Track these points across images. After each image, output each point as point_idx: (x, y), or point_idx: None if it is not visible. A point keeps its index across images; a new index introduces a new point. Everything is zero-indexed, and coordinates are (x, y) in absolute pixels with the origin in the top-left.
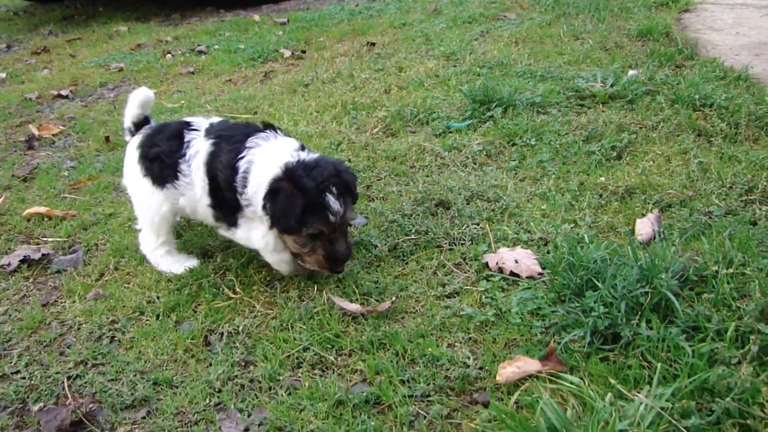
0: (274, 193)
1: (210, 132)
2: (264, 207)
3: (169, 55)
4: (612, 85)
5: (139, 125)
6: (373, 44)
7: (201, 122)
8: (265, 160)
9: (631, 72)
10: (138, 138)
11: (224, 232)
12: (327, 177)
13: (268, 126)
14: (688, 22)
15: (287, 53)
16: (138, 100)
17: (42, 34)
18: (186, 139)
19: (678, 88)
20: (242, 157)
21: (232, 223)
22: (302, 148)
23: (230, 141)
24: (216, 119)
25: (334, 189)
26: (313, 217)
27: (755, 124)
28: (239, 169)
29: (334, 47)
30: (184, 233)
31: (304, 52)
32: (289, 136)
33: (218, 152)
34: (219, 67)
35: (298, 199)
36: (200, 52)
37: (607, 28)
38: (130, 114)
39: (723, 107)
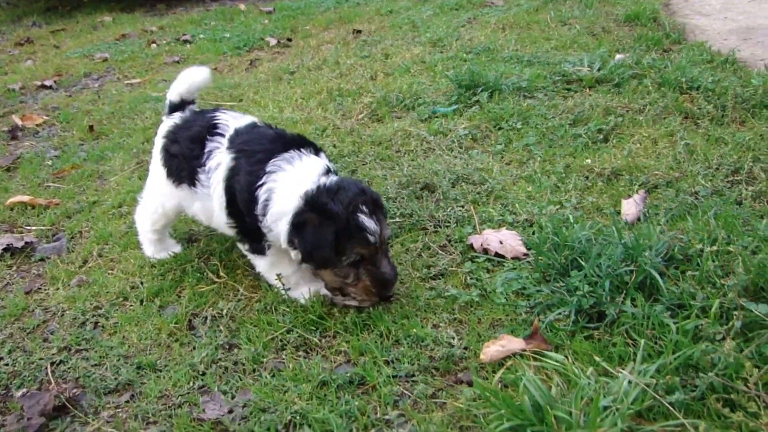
0: (299, 227)
1: (233, 143)
2: (290, 242)
3: (154, 45)
4: (599, 69)
5: (174, 108)
6: (360, 32)
7: (227, 125)
8: (286, 189)
9: (618, 56)
10: (168, 125)
11: (246, 252)
12: (353, 197)
13: (295, 140)
14: (677, 8)
15: (273, 41)
16: (190, 80)
17: (25, 25)
18: (207, 149)
19: (665, 72)
20: (262, 184)
21: (257, 250)
22: (327, 171)
23: (251, 159)
24: (243, 122)
25: (364, 208)
26: (350, 242)
27: (742, 106)
28: (259, 198)
29: (320, 35)
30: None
31: (290, 40)
32: (318, 152)
33: (238, 170)
34: (204, 56)
35: (329, 227)
36: (185, 42)
37: (595, 13)
38: (176, 92)
39: (710, 90)
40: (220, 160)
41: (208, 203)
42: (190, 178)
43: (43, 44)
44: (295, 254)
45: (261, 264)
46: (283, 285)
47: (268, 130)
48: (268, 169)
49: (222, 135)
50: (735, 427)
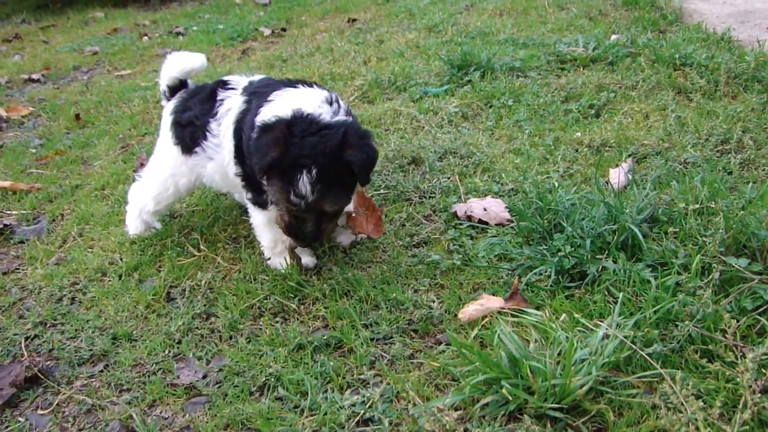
0: (265, 128)
1: (246, 90)
2: None
3: (145, 38)
4: (594, 49)
5: (174, 89)
6: (355, 20)
7: (239, 80)
8: (281, 104)
9: (613, 36)
10: (173, 103)
11: (248, 203)
12: (316, 153)
13: (306, 81)
14: None
15: (267, 32)
16: (179, 65)
17: (15, 22)
18: (219, 98)
19: (659, 50)
20: (260, 112)
21: (258, 202)
22: (331, 101)
23: (261, 97)
24: (258, 77)
25: (314, 171)
26: (278, 184)
27: (734, 81)
28: (255, 125)
29: (316, 25)
30: None
31: (284, 30)
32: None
33: (247, 111)
34: (197, 47)
35: (276, 151)
36: (178, 34)
37: None
38: (167, 77)
39: (703, 66)
40: (230, 105)
41: (220, 156)
42: (203, 134)
43: (32, 40)
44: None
45: (257, 218)
46: (268, 249)
47: (282, 80)
48: (270, 98)
49: (234, 88)
50: (712, 376)
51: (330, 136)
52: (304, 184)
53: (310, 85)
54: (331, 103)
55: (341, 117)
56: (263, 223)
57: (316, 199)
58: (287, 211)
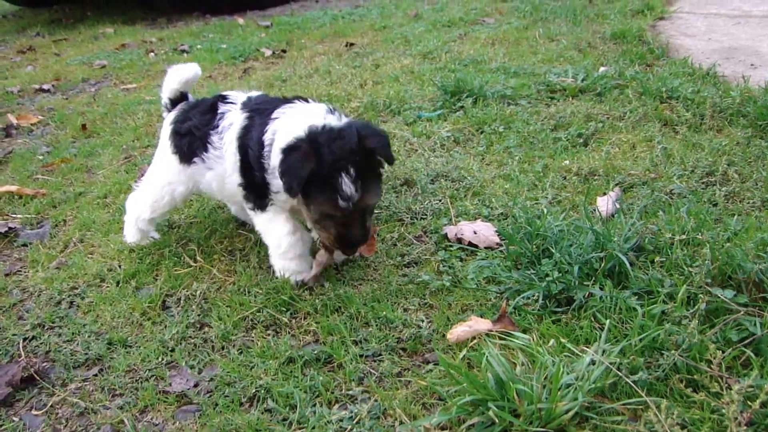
0: (289, 149)
1: (246, 105)
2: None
3: (152, 54)
4: (583, 80)
5: (175, 101)
6: (353, 44)
7: (238, 96)
8: (291, 125)
9: (602, 68)
10: (173, 113)
11: (250, 212)
12: (347, 153)
13: (302, 97)
14: (663, 29)
15: (268, 52)
16: (178, 77)
17: (29, 35)
18: (220, 111)
19: (647, 83)
20: (268, 130)
21: (259, 206)
22: (332, 111)
23: (263, 115)
24: (255, 93)
25: (352, 170)
26: (322, 196)
27: (720, 115)
28: (265, 143)
29: (315, 47)
30: None
31: (284, 51)
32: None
33: (251, 127)
34: (200, 64)
35: (309, 162)
36: (183, 51)
37: (582, 30)
38: (168, 89)
39: (689, 99)
40: (233, 119)
41: (220, 167)
42: (203, 146)
43: (44, 52)
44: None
45: (260, 220)
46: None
47: (278, 97)
48: (273, 116)
49: (233, 102)
50: (697, 406)
51: (349, 135)
52: (348, 184)
53: (305, 100)
54: (332, 112)
55: (345, 120)
56: (266, 223)
57: (360, 196)
58: (333, 221)
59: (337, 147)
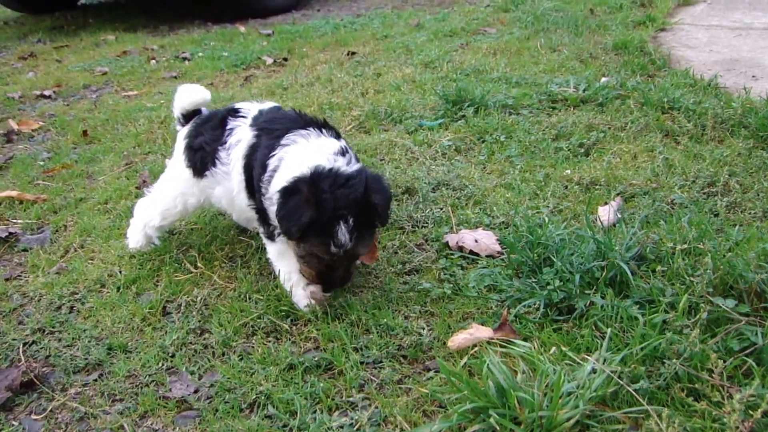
0: (290, 191)
1: (256, 121)
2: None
3: (153, 61)
4: (584, 90)
5: (188, 117)
6: (354, 53)
7: (250, 109)
8: (297, 159)
9: (603, 79)
10: (187, 128)
11: (262, 236)
12: (350, 203)
13: (316, 120)
14: (664, 40)
15: (269, 60)
16: (188, 98)
17: (30, 41)
18: (229, 126)
19: (648, 93)
20: (274, 155)
21: (268, 234)
22: (343, 152)
23: (270, 135)
24: (267, 105)
25: (351, 220)
26: (316, 239)
27: (721, 126)
28: (268, 167)
29: (316, 56)
30: None
31: (286, 59)
32: (339, 137)
33: (257, 146)
34: (201, 72)
35: (309, 210)
36: (184, 59)
37: (584, 41)
38: (179, 107)
39: (691, 110)
40: (240, 136)
41: (228, 184)
42: (212, 160)
43: (45, 59)
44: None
45: (271, 251)
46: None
47: (291, 112)
48: (282, 141)
49: (244, 117)
50: (698, 415)
51: (356, 185)
52: (344, 234)
53: (320, 127)
54: (344, 154)
55: (355, 165)
56: (276, 256)
57: (353, 246)
58: (319, 262)
59: (341, 195)
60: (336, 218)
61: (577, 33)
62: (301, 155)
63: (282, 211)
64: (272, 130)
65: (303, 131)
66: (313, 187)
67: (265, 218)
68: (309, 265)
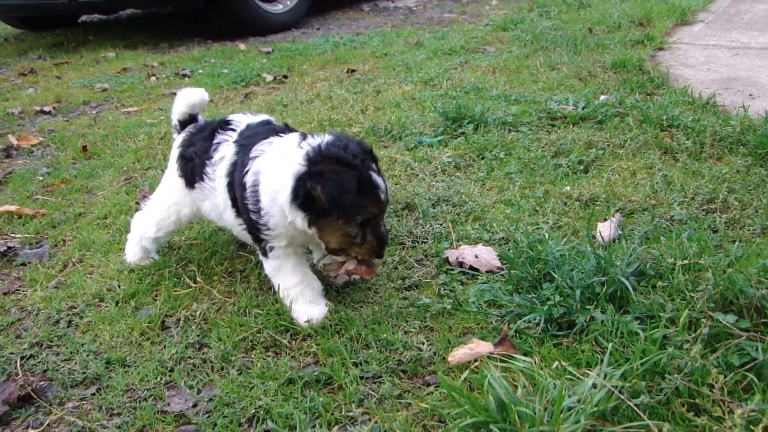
0: (317, 176)
1: (240, 136)
2: (299, 205)
3: (153, 78)
4: (583, 108)
5: (184, 123)
6: (354, 71)
7: (240, 122)
8: (273, 165)
9: (602, 97)
10: (181, 136)
11: (258, 253)
12: (361, 152)
13: (281, 128)
14: (662, 59)
15: (269, 78)
16: (186, 100)
17: (30, 58)
18: (216, 141)
19: (647, 111)
20: (248, 170)
21: (262, 251)
22: (305, 136)
23: (245, 151)
24: (259, 118)
25: (374, 165)
26: (364, 199)
27: (719, 143)
28: (246, 185)
29: (316, 73)
30: None
31: (286, 77)
32: (294, 131)
33: (236, 164)
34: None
35: (350, 174)
36: (184, 76)
37: (583, 60)
38: (177, 112)
39: (689, 128)
40: (224, 152)
41: (215, 200)
42: (200, 175)
43: (45, 75)
44: (302, 219)
45: (267, 267)
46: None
47: (276, 126)
48: (252, 154)
49: (233, 130)
50: (699, 430)
51: (347, 140)
52: (378, 177)
53: (280, 132)
54: (307, 137)
55: (328, 135)
56: (273, 272)
57: (386, 186)
58: (369, 226)
59: (351, 149)
60: (366, 168)
61: (575, 52)
62: (275, 162)
63: (331, 192)
64: (248, 146)
65: (266, 140)
66: (326, 160)
67: (257, 235)
68: (364, 238)
